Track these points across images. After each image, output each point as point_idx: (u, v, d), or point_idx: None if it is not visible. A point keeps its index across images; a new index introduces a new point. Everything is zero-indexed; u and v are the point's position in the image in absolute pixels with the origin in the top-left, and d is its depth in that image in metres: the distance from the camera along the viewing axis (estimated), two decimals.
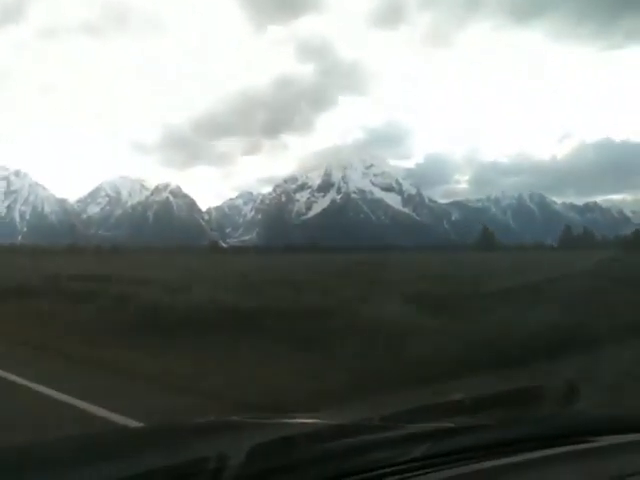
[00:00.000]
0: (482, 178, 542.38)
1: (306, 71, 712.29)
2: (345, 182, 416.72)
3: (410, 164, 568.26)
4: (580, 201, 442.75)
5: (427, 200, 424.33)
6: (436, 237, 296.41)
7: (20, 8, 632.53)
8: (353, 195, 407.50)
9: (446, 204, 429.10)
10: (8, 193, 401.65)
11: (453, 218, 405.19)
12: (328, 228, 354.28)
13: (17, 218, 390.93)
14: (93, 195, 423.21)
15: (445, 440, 1.50)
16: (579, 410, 1.95)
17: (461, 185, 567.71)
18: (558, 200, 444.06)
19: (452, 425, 1.61)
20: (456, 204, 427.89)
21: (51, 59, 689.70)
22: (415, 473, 1.34)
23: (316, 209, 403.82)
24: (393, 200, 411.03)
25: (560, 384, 2.13)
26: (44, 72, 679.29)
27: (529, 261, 31.62)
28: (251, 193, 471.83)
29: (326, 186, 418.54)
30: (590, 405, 2.13)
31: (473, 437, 1.55)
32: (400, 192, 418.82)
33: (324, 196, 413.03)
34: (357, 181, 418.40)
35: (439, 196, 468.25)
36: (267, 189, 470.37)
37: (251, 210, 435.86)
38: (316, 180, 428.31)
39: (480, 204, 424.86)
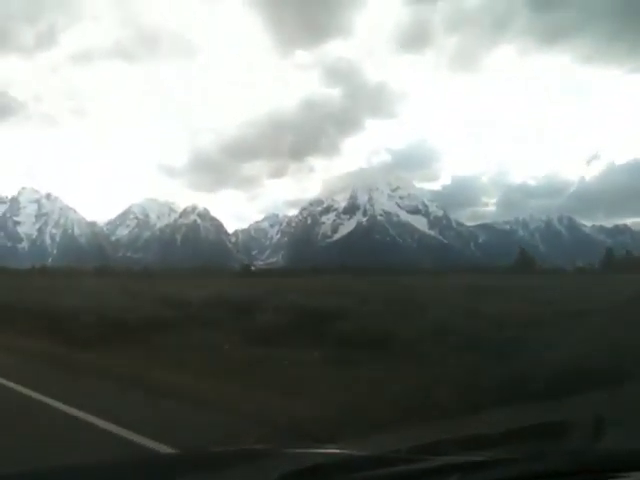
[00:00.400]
0: (510, 200, 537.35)
1: (332, 94, 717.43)
2: (371, 204, 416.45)
3: (436, 186, 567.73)
4: (609, 223, 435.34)
5: (454, 223, 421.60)
6: (463, 260, 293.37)
7: (52, 33, 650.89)
8: (379, 217, 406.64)
9: (473, 226, 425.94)
10: (39, 216, 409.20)
11: (480, 240, 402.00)
12: (354, 250, 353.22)
13: (48, 240, 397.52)
14: (122, 218, 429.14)
15: (473, 473, 1.49)
16: (609, 445, 1.91)
17: (488, 207, 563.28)
18: (587, 222, 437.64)
19: (480, 458, 1.61)
20: (483, 226, 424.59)
21: (82, 83, 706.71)
22: None
23: (342, 231, 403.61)
24: (419, 222, 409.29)
25: (589, 418, 2.08)
26: (75, 96, 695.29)
27: (606, 285, 27.63)
28: (277, 215, 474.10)
29: (352, 208, 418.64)
30: (622, 440, 2.01)
31: (502, 470, 1.53)
32: (426, 214, 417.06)
33: (350, 218, 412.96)
34: (383, 203, 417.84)
35: (466, 218, 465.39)
36: (293, 212, 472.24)
37: (277, 233, 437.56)
38: (342, 202, 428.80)
39: (508, 226, 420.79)
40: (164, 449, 4.98)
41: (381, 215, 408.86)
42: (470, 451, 1.73)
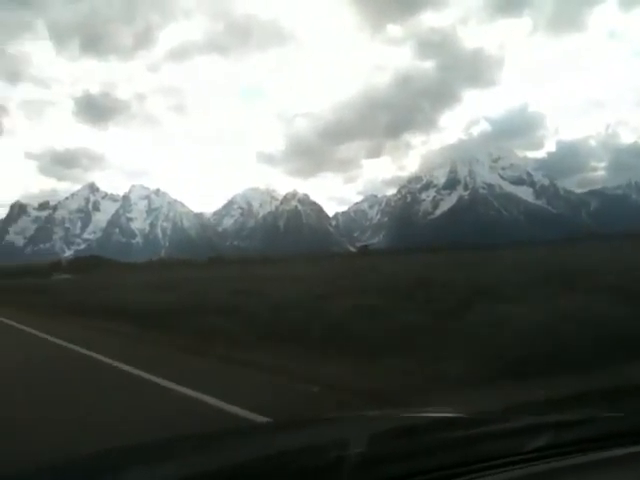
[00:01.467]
0: (621, 163, 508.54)
1: (426, 67, 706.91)
2: (472, 178, 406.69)
3: (541, 154, 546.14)
4: None
5: (562, 191, 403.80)
6: (575, 229, 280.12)
7: (149, 33, 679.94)
8: (481, 191, 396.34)
9: (583, 193, 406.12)
10: (150, 211, 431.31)
11: (592, 208, 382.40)
12: (457, 226, 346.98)
13: (159, 234, 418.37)
14: (227, 208, 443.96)
15: (572, 430, 1.48)
16: None
17: (598, 172, 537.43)
18: None
19: (579, 417, 1.59)
20: (594, 193, 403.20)
21: (179, 79, 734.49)
22: (538, 462, 1.34)
23: (443, 207, 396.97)
24: (524, 193, 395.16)
25: None
26: (174, 92, 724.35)
27: None
28: (376, 196, 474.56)
29: (452, 183, 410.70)
30: None
31: (600, 427, 1.52)
32: (532, 184, 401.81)
33: (450, 194, 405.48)
34: (484, 176, 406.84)
35: (575, 185, 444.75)
36: (392, 191, 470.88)
37: (377, 213, 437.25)
38: (441, 178, 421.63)
39: (620, 191, 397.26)
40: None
41: (483, 188, 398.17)
42: (567, 410, 1.70)
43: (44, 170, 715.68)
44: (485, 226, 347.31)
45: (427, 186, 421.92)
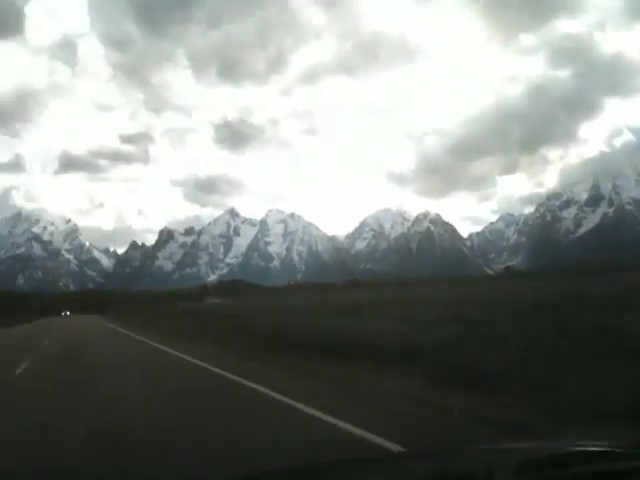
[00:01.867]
0: None
1: (562, 76, 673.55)
2: (617, 193, 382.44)
3: None
4: None
5: None
6: None
7: (281, 57, 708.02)
8: (628, 207, 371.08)
9: None
10: (286, 235, 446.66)
11: None
12: (603, 245, 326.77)
13: (295, 258, 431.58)
14: (359, 230, 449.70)
15: None
16: None
17: None
18: None
19: None
20: None
21: (311, 101, 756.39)
22: None
23: (587, 225, 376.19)
24: None
25: None
26: (306, 116, 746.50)
27: None
28: (512, 215, 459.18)
29: (595, 199, 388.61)
30: None
31: None
32: None
33: (594, 211, 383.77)
34: (631, 190, 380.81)
35: None
36: (529, 209, 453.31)
37: (514, 233, 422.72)
38: (583, 194, 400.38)
39: None
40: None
41: (630, 204, 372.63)
42: None
43: (188, 196, 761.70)
44: (634, 245, 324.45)
45: (568, 203, 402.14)
